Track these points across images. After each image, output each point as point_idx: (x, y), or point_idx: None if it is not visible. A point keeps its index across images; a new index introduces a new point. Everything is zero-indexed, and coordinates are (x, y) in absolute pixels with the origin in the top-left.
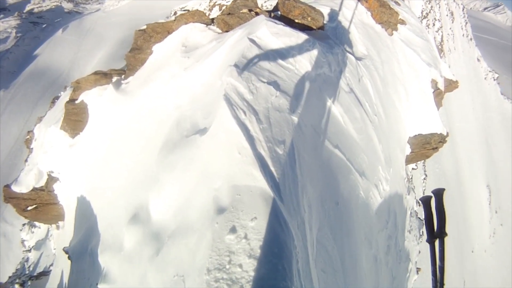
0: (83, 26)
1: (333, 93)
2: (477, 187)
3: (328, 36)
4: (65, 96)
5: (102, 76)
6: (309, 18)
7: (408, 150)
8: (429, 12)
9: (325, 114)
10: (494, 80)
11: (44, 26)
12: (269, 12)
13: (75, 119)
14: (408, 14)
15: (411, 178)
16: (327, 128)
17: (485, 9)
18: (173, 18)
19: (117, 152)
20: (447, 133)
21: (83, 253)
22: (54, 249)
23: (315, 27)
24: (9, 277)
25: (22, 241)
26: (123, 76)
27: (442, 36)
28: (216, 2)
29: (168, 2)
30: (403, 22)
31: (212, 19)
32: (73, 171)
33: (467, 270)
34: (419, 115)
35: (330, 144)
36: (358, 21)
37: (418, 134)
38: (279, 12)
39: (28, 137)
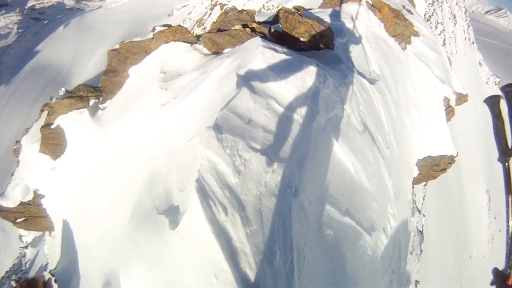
0: (84, 23)
1: (345, 139)
2: (476, 193)
3: (339, 58)
4: (40, 120)
5: (78, 100)
6: (317, 36)
7: (415, 173)
8: (432, 15)
9: (335, 172)
10: (496, 84)
11: (45, 22)
12: (268, 24)
13: (53, 143)
14: (421, 24)
15: (414, 192)
16: (336, 191)
17: (487, 12)
18: (151, 35)
19: (93, 191)
20: (457, 153)
21: (67, 284)
22: (47, 255)
23: (324, 47)
24: (6, 271)
25: (20, 237)
26: (100, 99)
27: (444, 39)
28: (217, 1)
29: (170, 0)
30: (416, 34)
31: (198, 36)
32: (56, 193)
33: (465, 276)
34: (430, 137)
35: (339, 212)
36: (370, 34)
37: (428, 156)
38: (280, 25)
39: (16, 147)
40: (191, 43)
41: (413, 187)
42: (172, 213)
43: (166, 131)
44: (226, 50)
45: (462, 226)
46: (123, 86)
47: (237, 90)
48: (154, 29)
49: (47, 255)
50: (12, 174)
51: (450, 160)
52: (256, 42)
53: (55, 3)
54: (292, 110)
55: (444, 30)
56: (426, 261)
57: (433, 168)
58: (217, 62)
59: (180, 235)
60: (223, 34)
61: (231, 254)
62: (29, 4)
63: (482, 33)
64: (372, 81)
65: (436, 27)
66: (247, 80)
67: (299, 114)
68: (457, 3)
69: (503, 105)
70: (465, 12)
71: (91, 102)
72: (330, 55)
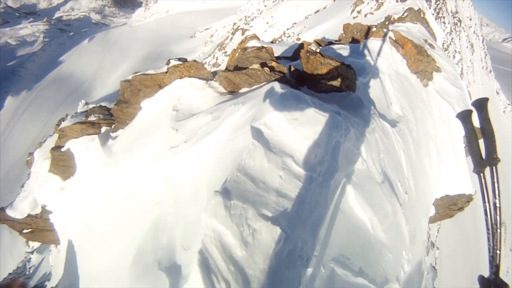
0: (108, 38)
1: (364, 194)
2: None
3: (361, 101)
4: (50, 141)
5: (89, 126)
6: (339, 78)
7: (432, 212)
8: (450, 44)
9: (351, 230)
10: None
11: (71, 34)
12: (288, 60)
13: (63, 165)
14: (443, 58)
15: (429, 229)
16: (350, 250)
17: (504, 40)
18: (165, 68)
19: (99, 221)
20: (475, 191)
21: None
22: (52, 265)
23: (346, 88)
24: (9, 273)
25: (27, 241)
26: (113, 126)
27: (462, 68)
28: (239, 26)
29: (193, 22)
30: (438, 69)
31: (214, 73)
32: (63, 213)
33: None
34: (448, 177)
35: (351, 274)
36: (392, 71)
37: (445, 196)
38: (300, 62)
39: (28, 158)
40: (207, 79)
41: (429, 227)
42: (174, 274)
43: (175, 176)
44: (242, 90)
45: (477, 258)
46: (134, 118)
47: (251, 146)
48: (168, 62)
49: (51, 265)
50: (22, 186)
51: (468, 199)
52: (274, 89)
53: (81, 17)
54: (309, 168)
55: (461, 59)
56: None
57: (450, 207)
58: (231, 108)
59: None
60: (240, 73)
61: None
62: (56, 15)
63: (499, 62)
64: (393, 123)
65: (454, 56)
66: (262, 134)
67: (317, 173)
68: (474, 32)
69: (475, 118)
70: (483, 41)
71: (103, 129)
72: (352, 98)
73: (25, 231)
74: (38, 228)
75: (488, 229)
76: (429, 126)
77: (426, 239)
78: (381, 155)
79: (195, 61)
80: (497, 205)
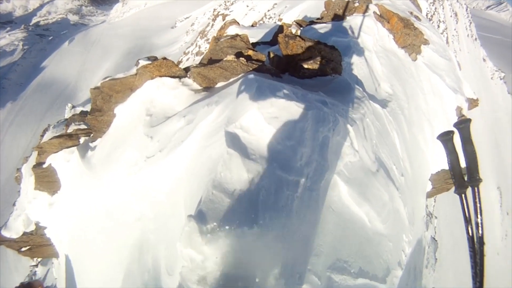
0: (89, 37)
1: (358, 189)
2: (487, 189)
3: (348, 84)
4: (31, 160)
5: (67, 138)
6: (323, 61)
7: (429, 187)
8: (433, 14)
9: (347, 229)
10: (501, 79)
11: (50, 38)
12: (268, 45)
13: (47, 181)
14: (430, 30)
15: (427, 204)
16: (347, 252)
17: (487, 7)
18: (134, 70)
19: (86, 238)
20: None
21: None
22: (56, 278)
23: (331, 71)
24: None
25: None
26: (91, 136)
27: (447, 38)
28: (219, 12)
29: (172, 12)
30: (426, 42)
31: (186, 69)
32: (56, 228)
33: None
34: (443, 150)
35: (350, 277)
36: (379, 48)
37: (441, 170)
38: (279, 48)
39: (17, 175)
40: (179, 77)
41: (426, 201)
42: None
43: (152, 188)
44: (219, 84)
45: None
46: (110, 126)
47: (226, 156)
48: (137, 63)
49: (55, 278)
50: (14, 204)
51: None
52: (248, 83)
53: (59, 19)
54: (296, 172)
55: (446, 29)
56: (440, 263)
57: (446, 181)
58: (204, 110)
59: None
60: (214, 67)
61: None
62: (33, 21)
63: (484, 29)
64: (384, 104)
65: (439, 26)
66: (238, 139)
67: (304, 176)
68: (457, 1)
69: (456, 140)
70: (466, 9)
71: (82, 140)
72: (338, 81)
73: (23, 249)
74: (35, 244)
75: (470, 247)
76: (421, 101)
77: (425, 215)
78: (373, 140)
79: (165, 58)
80: (479, 223)
